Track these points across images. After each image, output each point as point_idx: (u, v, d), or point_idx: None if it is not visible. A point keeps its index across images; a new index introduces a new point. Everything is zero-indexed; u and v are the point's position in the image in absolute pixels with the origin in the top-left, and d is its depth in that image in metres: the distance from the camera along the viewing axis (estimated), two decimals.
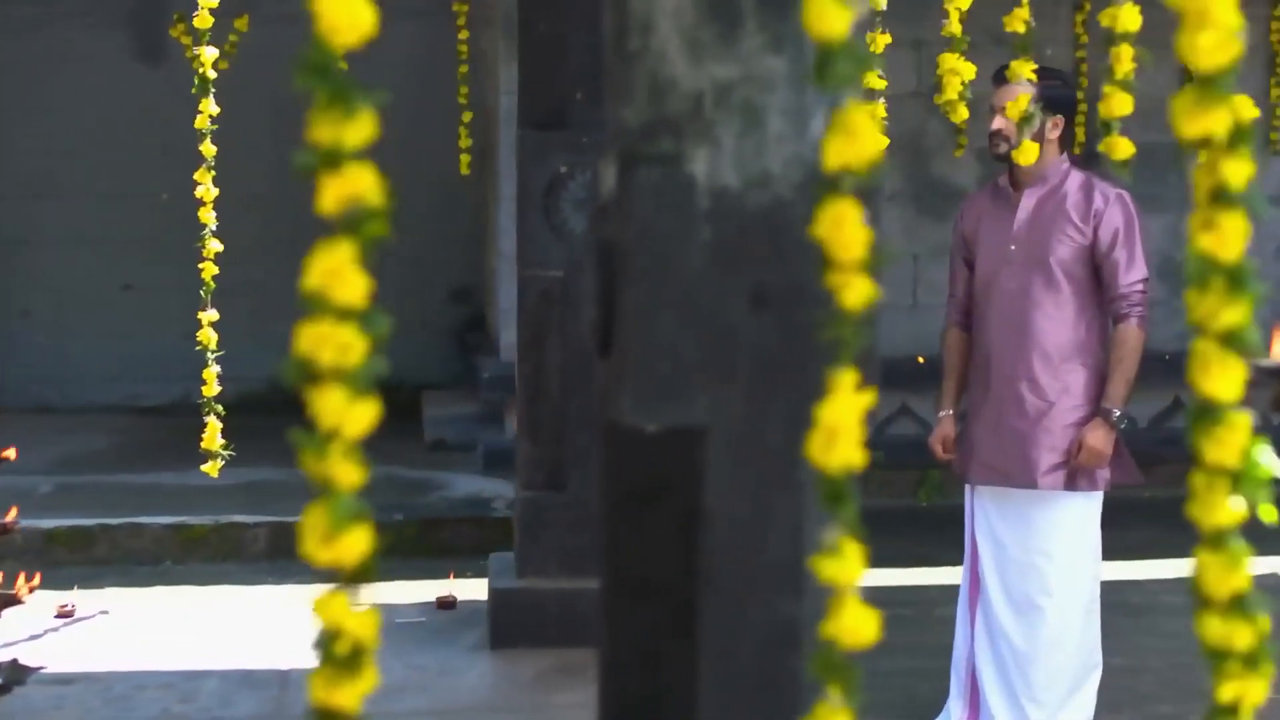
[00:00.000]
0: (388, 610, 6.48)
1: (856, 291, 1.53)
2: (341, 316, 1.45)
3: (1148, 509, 9.05)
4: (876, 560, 6.11)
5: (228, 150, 10.46)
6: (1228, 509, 1.57)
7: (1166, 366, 9.34)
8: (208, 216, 4.35)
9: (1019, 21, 3.11)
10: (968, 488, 5.30)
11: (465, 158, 8.66)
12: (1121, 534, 8.61)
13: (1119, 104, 2.64)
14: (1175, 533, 8.54)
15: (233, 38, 8.81)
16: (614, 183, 2.02)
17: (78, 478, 8.95)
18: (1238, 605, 1.57)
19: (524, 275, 3.83)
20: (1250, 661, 1.58)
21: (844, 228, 1.52)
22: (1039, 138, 5.06)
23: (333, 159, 1.45)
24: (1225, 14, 1.51)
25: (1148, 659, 6.42)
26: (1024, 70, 3.08)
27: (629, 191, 2.00)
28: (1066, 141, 5.19)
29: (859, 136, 1.50)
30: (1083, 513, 5.10)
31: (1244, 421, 1.55)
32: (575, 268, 3.75)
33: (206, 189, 4.35)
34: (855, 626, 1.54)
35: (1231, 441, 1.55)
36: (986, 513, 5.19)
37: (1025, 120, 3.30)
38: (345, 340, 1.45)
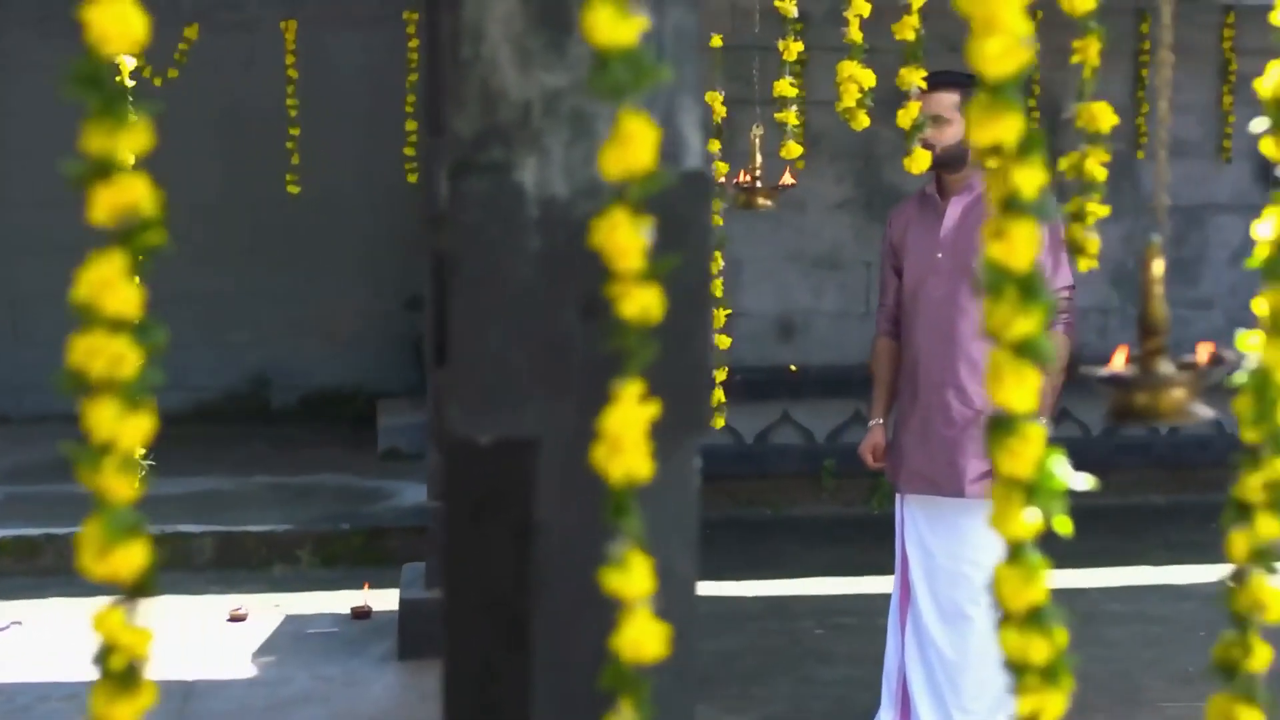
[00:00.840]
0: (302, 621, 6.46)
1: (636, 302, 1.51)
2: (114, 328, 1.43)
3: (1099, 516, 9.05)
4: (825, 568, 6.07)
5: (179, 159, 10.45)
6: (1023, 521, 1.55)
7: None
8: None
9: (909, 30, 3.10)
10: (898, 496, 5.28)
11: (409, 166, 8.66)
12: (1073, 542, 8.60)
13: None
14: (1127, 540, 8.62)
15: (182, 45, 8.77)
16: (447, 192, 2.01)
17: (28, 488, 8.91)
18: (1035, 618, 1.56)
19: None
20: (1049, 675, 1.57)
21: (621, 237, 1.50)
22: (965, 146, 5.05)
23: (105, 169, 1.43)
24: (1013, 20, 1.50)
25: (1088, 667, 6.38)
26: (913, 78, 3.06)
27: (459, 200, 1.98)
28: None
29: (635, 146, 1.49)
30: None
31: (1038, 433, 1.54)
32: None
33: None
34: (642, 640, 1.52)
35: (1026, 453, 1.53)
36: (916, 521, 5.18)
37: (915, 128, 3.29)
38: (118, 352, 1.43)
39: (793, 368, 8.85)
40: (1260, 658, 1.71)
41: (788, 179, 4.26)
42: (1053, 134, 9.39)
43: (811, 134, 8.80)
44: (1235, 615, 1.71)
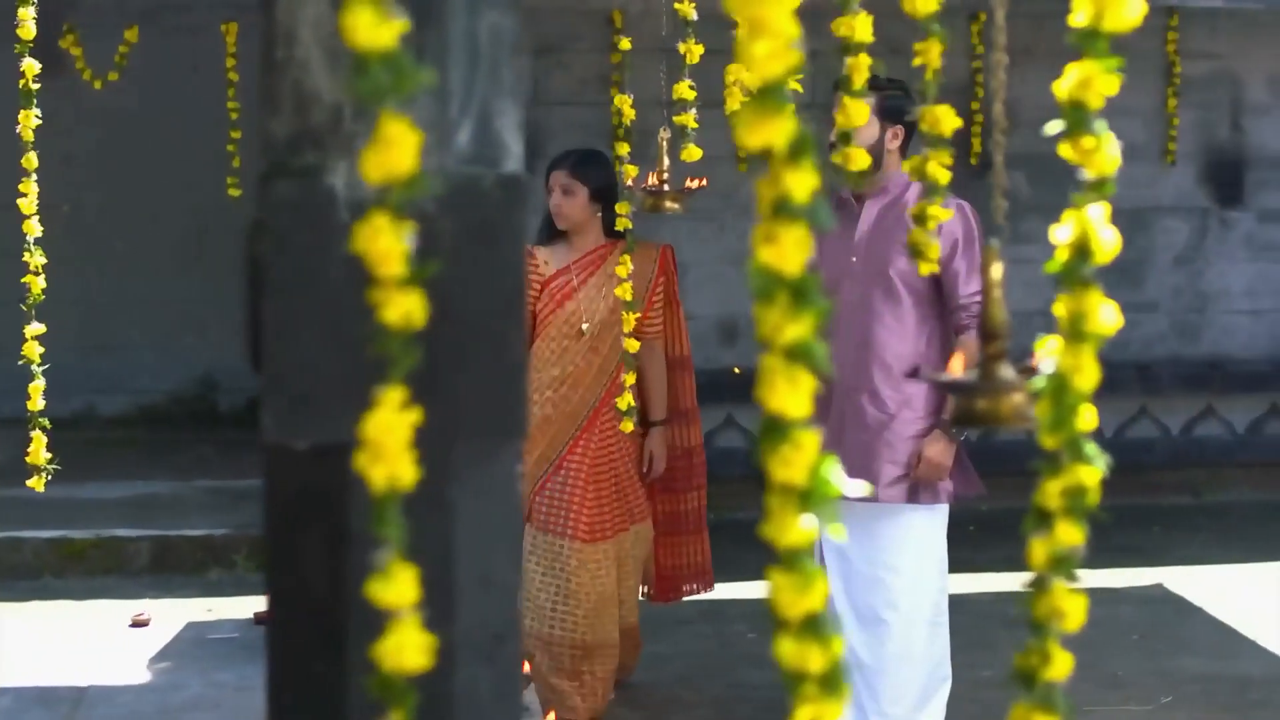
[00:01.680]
0: (203, 627, 6.41)
1: (398, 308, 1.50)
2: None
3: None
4: (755, 572, 6.04)
5: (123, 162, 10.43)
6: (798, 529, 1.54)
7: None
8: (31, 228, 4.29)
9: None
10: None
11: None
12: (1015, 545, 8.59)
13: (856, 114, 2.60)
14: None
15: (123, 49, 8.73)
16: (258, 196, 1.99)
17: None
18: (811, 627, 1.55)
19: None
20: (826, 684, 1.55)
21: (382, 242, 1.48)
22: (879, 148, 5.04)
23: None
24: (782, 22, 1.48)
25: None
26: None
27: (270, 205, 1.96)
28: (907, 151, 5.15)
29: (396, 150, 1.47)
30: (926, 526, 5.07)
31: (812, 439, 1.52)
32: None
33: (29, 200, 4.28)
34: (406, 649, 1.50)
35: (799, 460, 1.52)
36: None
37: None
38: None
39: (736, 370, 8.84)
40: (1059, 666, 1.69)
41: (693, 182, 4.24)
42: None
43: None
44: (1034, 623, 1.69)
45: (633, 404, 4.82)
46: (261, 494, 2.08)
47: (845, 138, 2.62)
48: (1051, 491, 1.69)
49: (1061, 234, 1.69)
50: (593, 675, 5.43)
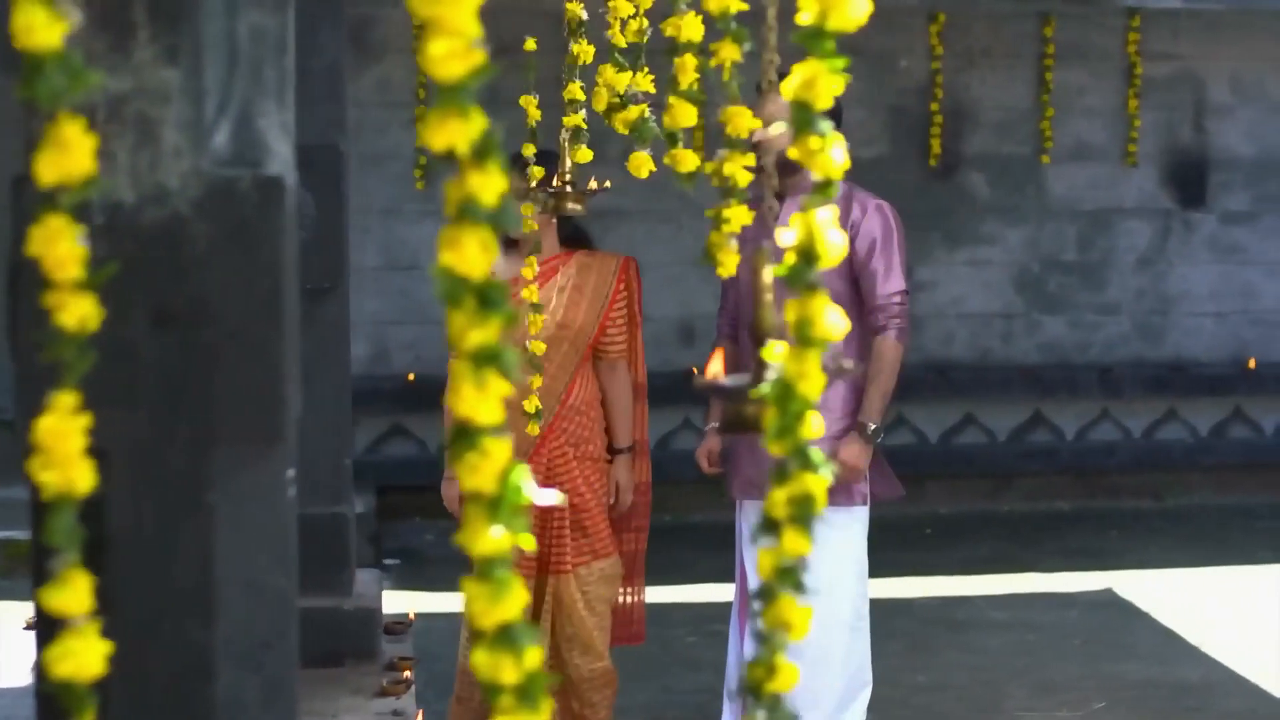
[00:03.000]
0: None
1: (73, 312, 1.47)
2: None
3: (1000, 523, 9.04)
4: (717, 575, 5.92)
5: None
6: (490, 537, 1.51)
7: (1025, 379, 9.34)
8: None
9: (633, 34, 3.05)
10: (737, 503, 5.25)
11: None
12: (970, 548, 8.61)
13: (683, 115, 2.57)
14: (1024, 547, 8.54)
15: None
16: (10, 199, 1.97)
17: None
18: (505, 637, 1.52)
19: None
20: (523, 696, 1.53)
21: (57, 245, 1.46)
22: None
23: None
24: (463, 22, 1.46)
25: (954, 676, 6.37)
26: (643, 83, 3.01)
27: (23, 207, 1.94)
28: None
29: (72, 152, 1.44)
30: (844, 529, 5.03)
31: (501, 447, 1.50)
32: None
33: None
34: (80, 657, 1.47)
35: (488, 468, 1.49)
36: (751, 528, 5.14)
37: (637, 131, 3.26)
38: None
39: (695, 370, 8.81)
40: (785, 679, 1.66)
41: (595, 184, 4.21)
42: (957, 136, 9.36)
43: (715, 136, 8.76)
44: (761, 635, 1.66)
45: (539, 406, 4.70)
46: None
47: (673, 139, 2.59)
48: (778, 500, 1.66)
49: (787, 237, 1.66)
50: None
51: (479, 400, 1.50)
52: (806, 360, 1.65)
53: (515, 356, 1.54)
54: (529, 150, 4.52)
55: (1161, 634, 6.93)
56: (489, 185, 1.49)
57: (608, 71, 3.27)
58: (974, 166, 9.36)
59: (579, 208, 4.37)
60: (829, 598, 5.00)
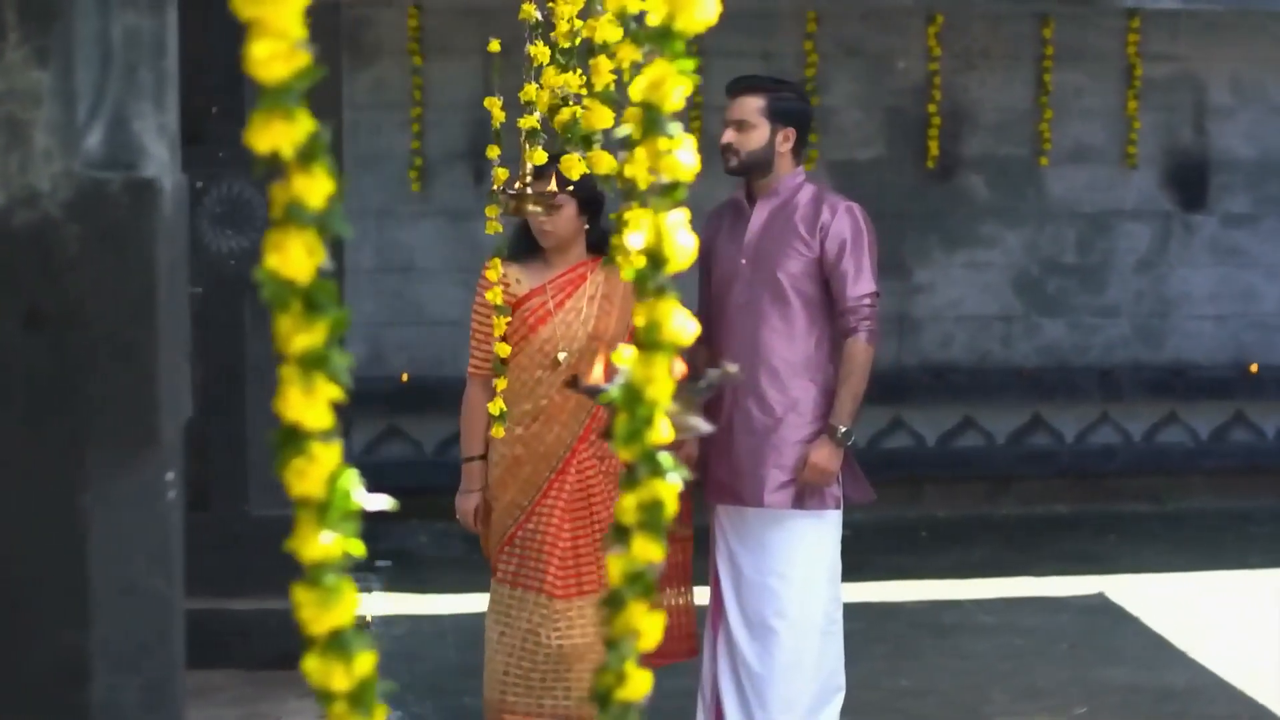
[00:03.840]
0: None
1: None
2: None
3: (998, 527, 8.99)
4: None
5: None
6: (319, 544, 1.50)
7: (1024, 382, 9.30)
8: None
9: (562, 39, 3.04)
10: (713, 508, 5.22)
11: None
12: (964, 551, 8.57)
13: (599, 117, 2.56)
14: (1019, 551, 8.48)
15: None
16: None
17: None
18: (336, 644, 1.50)
19: None
20: (355, 702, 1.51)
21: None
22: (770, 151, 5.00)
23: None
24: (286, 23, 1.44)
25: (938, 680, 6.34)
26: (573, 84, 3.00)
27: None
28: (799, 154, 5.10)
29: None
30: (816, 533, 5.00)
31: (330, 452, 1.48)
32: (214, 283, 3.68)
33: None
34: None
35: (315, 473, 1.48)
36: (724, 532, 5.12)
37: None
38: None
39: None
40: (635, 686, 1.65)
41: (554, 186, 4.19)
42: (955, 138, 9.31)
43: (711, 139, 8.72)
44: (610, 642, 1.65)
45: (504, 408, 4.68)
46: None
47: (586, 141, 2.57)
48: (628, 506, 1.64)
49: (634, 240, 1.64)
50: None
51: (306, 405, 1.48)
52: (654, 365, 1.63)
53: (345, 360, 1.53)
54: (493, 153, 4.50)
55: (1151, 639, 6.88)
56: (315, 188, 1.47)
57: (549, 73, 3.26)
58: (972, 168, 9.32)
59: (540, 209, 4.36)
60: (802, 602, 4.98)
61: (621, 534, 1.66)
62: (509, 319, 4.73)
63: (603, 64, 2.59)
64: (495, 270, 4.65)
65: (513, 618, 4.79)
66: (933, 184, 9.30)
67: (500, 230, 4.58)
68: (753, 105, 5.02)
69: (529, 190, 4.25)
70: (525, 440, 4.81)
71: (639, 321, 1.65)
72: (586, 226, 4.83)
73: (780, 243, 4.98)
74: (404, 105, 8.95)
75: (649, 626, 1.66)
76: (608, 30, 2.60)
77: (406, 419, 8.99)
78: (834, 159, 9.20)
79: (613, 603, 1.66)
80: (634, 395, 1.64)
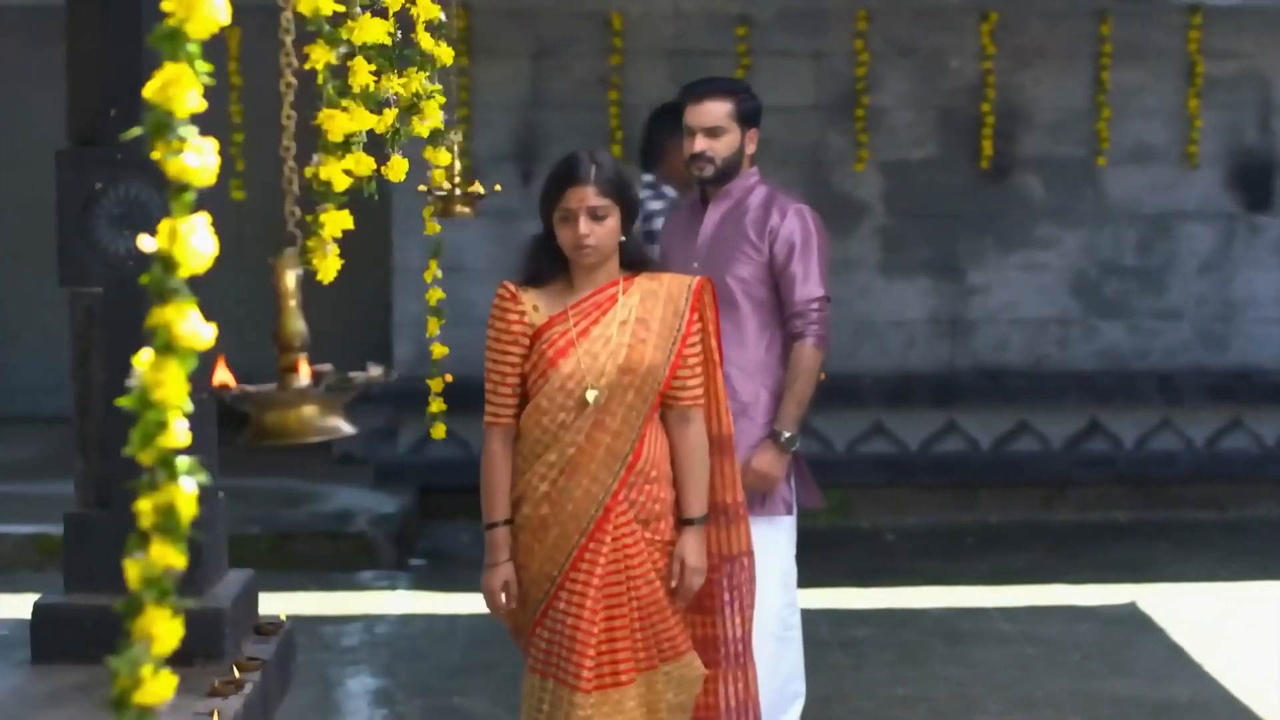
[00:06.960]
0: None
1: None
2: None
3: (1044, 533, 8.84)
4: None
5: None
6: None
7: (1081, 386, 9.12)
8: None
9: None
10: None
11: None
12: (1007, 558, 8.41)
13: (358, 119, 2.55)
14: (1059, 558, 8.32)
15: None
16: None
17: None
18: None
19: (70, 293, 3.83)
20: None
21: None
22: (739, 153, 4.97)
23: None
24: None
25: (934, 689, 6.25)
26: (395, 86, 3.00)
27: None
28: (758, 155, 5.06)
29: None
30: (767, 538, 4.94)
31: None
32: (115, 285, 3.74)
33: None
34: None
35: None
36: None
37: (394, 135, 3.25)
38: None
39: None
40: (154, 690, 1.65)
41: (477, 187, 4.19)
42: (1010, 138, 9.17)
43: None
44: (127, 646, 1.65)
45: (443, 407, 4.56)
46: None
47: (346, 145, 2.57)
48: (144, 510, 1.64)
49: (148, 243, 1.64)
50: None
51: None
52: (167, 369, 1.62)
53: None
54: (445, 158, 4.50)
55: (1168, 650, 6.72)
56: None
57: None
58: (1028, 168, 9.17)
59: (468, 211, 4.35)
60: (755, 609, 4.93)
61: (140, 538, 1.66)
62: (526, 349, 4.14)
63: (360, 65, 2.59)
64: (431, 271, 4.61)
65: (544, 713, 4.06)
66: (987, 184, 9.16)
67: (439, 230, 4.50)
68: (722, 110, 4.97)
69: (456, 191, 4.25)
70: (551, 498, 4.08)
71: (150, 324, 1.64)
72: (620, 241, 4.10)
73: (730, 246, 4.95)
74: (450, 106, 9.00)
75: (167, 631, 1.65)
76: (368, 31, 2.60)
77: (454, 419, 9.00)
78: (886, 159, 9.10)
79: (130, 607, 1.65)
80: (145, 400, 1.64)
